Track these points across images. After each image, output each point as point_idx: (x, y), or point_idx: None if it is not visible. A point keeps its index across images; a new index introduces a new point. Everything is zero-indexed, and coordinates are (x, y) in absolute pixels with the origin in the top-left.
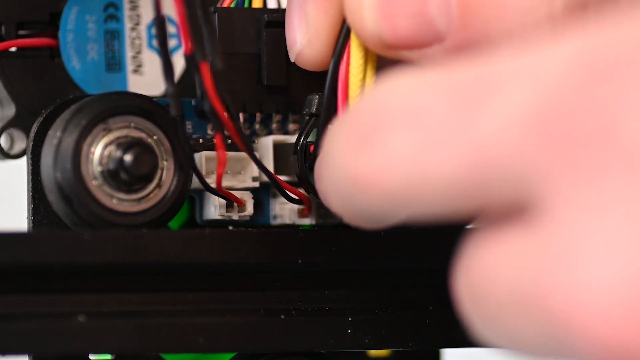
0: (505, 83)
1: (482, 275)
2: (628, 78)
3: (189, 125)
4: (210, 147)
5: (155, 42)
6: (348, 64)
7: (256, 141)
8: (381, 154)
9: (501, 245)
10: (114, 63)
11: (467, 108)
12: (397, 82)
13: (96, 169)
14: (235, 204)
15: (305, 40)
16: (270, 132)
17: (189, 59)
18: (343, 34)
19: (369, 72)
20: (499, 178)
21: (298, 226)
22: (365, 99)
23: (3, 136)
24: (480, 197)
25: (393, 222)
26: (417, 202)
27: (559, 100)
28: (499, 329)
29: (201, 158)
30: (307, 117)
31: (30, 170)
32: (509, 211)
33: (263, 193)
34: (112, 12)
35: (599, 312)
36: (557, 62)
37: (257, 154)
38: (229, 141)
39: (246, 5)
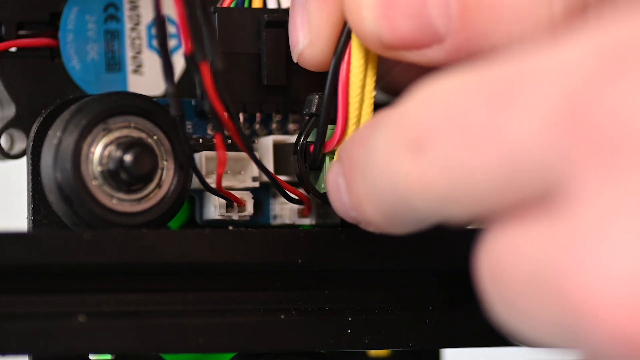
0: (533, 81)
1: (504, 255)
2: None
3: (189, 125)
4: (210, 147)
5: (155, 42)
6: (349, 64)
7: (256, 141)
8: (432, 160)
9: (523, 229)
10: (114, 63)
11: (500, 108)
12: (434, 88)
13: (96, 169)
14: (235, 204)
15: (307, 41)
16: (270, 132)
17: (189, 59)
18: (344, 35)
19: (370, 73)
20: (532, 174)
21: (298, 226)
22: (406, 108)
23: (3, 136)
24: (516, 191)
25: (428, 225)
26: (463, 201)
27: (585, 96)
28: (514, 311)
29: (201, 158)
30: (307, 117)
31: (30, 170)
32: (533, 200)
33: (263, 193)
34: (112, 12)
35: (616, 302)
36: (580, 59)
37: (257, 154)
38: (229, 141)
39: (246, 5)
